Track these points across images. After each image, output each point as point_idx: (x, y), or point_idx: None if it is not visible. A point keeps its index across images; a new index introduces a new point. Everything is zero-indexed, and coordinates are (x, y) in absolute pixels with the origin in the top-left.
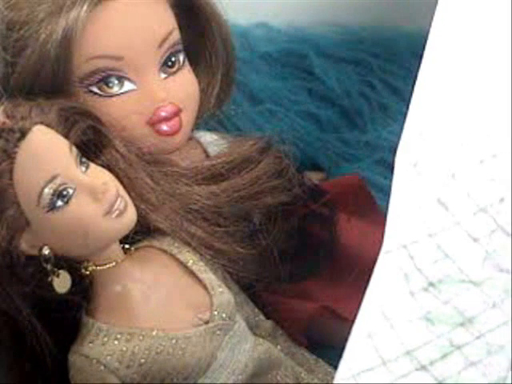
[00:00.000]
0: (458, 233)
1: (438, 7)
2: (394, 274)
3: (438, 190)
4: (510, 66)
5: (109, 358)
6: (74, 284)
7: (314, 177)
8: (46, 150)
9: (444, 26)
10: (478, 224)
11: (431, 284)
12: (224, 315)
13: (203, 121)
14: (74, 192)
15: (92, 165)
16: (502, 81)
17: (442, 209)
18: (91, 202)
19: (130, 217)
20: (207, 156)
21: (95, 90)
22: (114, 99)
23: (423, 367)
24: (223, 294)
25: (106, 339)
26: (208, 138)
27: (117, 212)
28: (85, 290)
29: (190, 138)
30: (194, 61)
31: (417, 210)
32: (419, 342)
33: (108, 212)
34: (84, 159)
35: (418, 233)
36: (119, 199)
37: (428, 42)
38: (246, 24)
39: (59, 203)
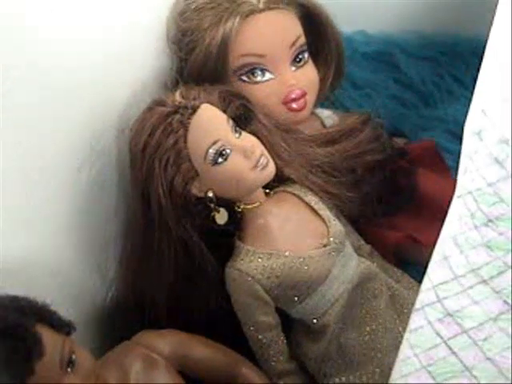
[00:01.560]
0: (510, 182)
1: (496, 17)
2: (463, 212)
3: (495, 151)
4: None
5: (255, 271)
6: (229, 218)
7: (399, 142)
8: (210, 122)
9: (502, 32)
10: None
11: (490, 220)
12: (337, 241)
13: (321, 101)
14: (230, 152)
15: (243, 132)
16: None
17: (498, 166)
18: (243, 159)
19: (271, 170)
20: (324, 126)
21: (244, 78)
22: (258, 85)
23: (484, 281)
24: (336, 226)
25: (252, 258)
26: (325, 113)
27: (261, 166)
28: (237, 222)
29: (312, 113)
30: (315, 57)
31: (479, 166)
32: (481, 262)
33: (255, 166)
34: (237, 128)
35: (480, 183)
36: (263, 157)
37: (488, 44)
38: (350, 31)
39: (220, 160)
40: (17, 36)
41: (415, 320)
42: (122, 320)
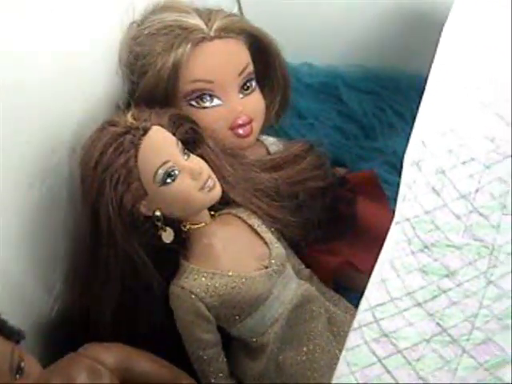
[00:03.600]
0: (446, 212)
1: (436, 55)
2: (400, 238)
3: (433, 181)
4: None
5: (198, 289)
6: (175, 237)
7: (340, 171)
8: (160, 143)
9: (441, 69)
10: (460, 206)
11: (426, 246)
12: (278, 263)
13: (265, 129)
14: (179, 173)
15: (191, 155)
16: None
17: (435, 195)
18: (190, 180)
19: (217, 192)
20: (269, 153)
21: (193, 103)
22: (206, 110)
23: (419, 304)
24: (278, 248)
25: (196, 276)
26: (270, 140)
27: (208, 188)
28: (183, 241)
29: (258, 140)
30: (261, 86)
31: (417, 195)
32: (417, 286)
33: (202, 188)
34: (186, 151)
35: (418, 210)
36: (210, 179)
37: (428, 80)
38: (295, 63)
39: (168, 180)
40: None
41: (352, 339)
42: (67, 333)
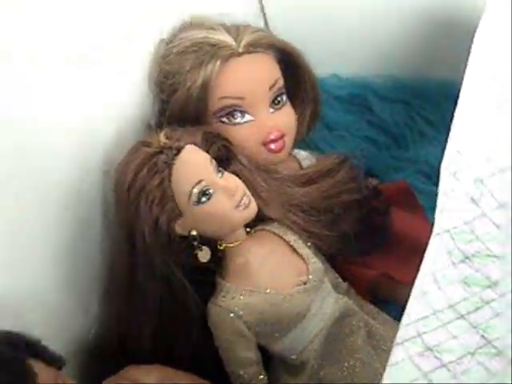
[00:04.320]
0: (485, 221)
1: (470, 62)
2: (440, 249)
3: (471, 191)
4: None
5: (236, 308)
6: (212, 255)
7: (372, 182)
8: (194, 162)
9: (475, 76)
10: (500, 215)
11: (467, 257)
12: (316, 278)
13: (296, 142)
14: (214, 192)
15: (226, 172)
16: None
17: (474, 204)
18: (226, 198)
19: (253, 209)
20: (301, 167)
21: (224, 120)
22: (237, 127)
23: (462, 316)
24: (316, 263)
25: (234, 295)
26: (302, 154)
27: (243, 206)
28: (219, 260)
29: (290, 154)
30: (291, 99)
31: (456, 205)
32: (459, 298)
33: (237, 205)
34: (220, 168)
35: (457, 221)
36: (245, 197)
37: (462, 88)
38: (323, 75)
39: (203, 199)
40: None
41: (396, 354)
42: (105, 355)
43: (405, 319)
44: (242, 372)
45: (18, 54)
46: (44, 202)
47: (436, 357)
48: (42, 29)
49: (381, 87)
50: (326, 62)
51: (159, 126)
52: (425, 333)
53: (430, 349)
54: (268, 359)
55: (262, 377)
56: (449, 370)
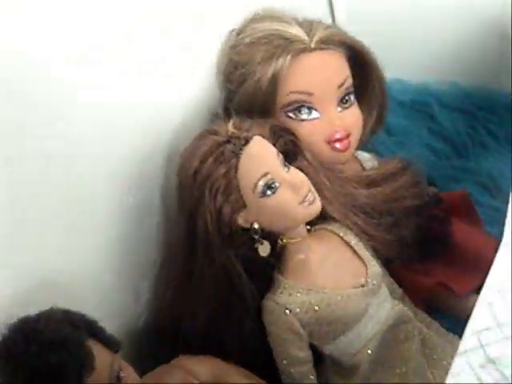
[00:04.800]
0: None
1: None
2: (507, 261)
3: None
4: None
5: (293, 305)
6: (271, 250)
7: (431, 190)
8: (261, 154)
9: None
10: None
11: None
12: (374, 282)
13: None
14: (279, 185)
15: (292, 167)
16: None
17: None
18: (291, 193)
19: (317, 206)
20: (363, 168)
21: (291, 115)
22: (304, 123)
23: None
24: (375, 267)
25: (291, 292)
26: (365, 156)
27: (308, 202)
28: (278, 255)
29: (353, 155)
30: (359, 100)
31: None
32: None
33: (302, 201)
34: (286, 163)
35: None
36: (310, 193)
37: None
38: (387, 79)
39: (268, 192)
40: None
41: (458, 364)
42: (153, 343)
43: (468, 329)
44: (292, 370)
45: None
46: (104, 188)
47: (498, 370)
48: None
49: (444, 95)
50: (391, 65)
51: (227, 115)
52: (487, 344)
53: (492, 361)
54: (319, 359)
55: (312, 377)
56: None
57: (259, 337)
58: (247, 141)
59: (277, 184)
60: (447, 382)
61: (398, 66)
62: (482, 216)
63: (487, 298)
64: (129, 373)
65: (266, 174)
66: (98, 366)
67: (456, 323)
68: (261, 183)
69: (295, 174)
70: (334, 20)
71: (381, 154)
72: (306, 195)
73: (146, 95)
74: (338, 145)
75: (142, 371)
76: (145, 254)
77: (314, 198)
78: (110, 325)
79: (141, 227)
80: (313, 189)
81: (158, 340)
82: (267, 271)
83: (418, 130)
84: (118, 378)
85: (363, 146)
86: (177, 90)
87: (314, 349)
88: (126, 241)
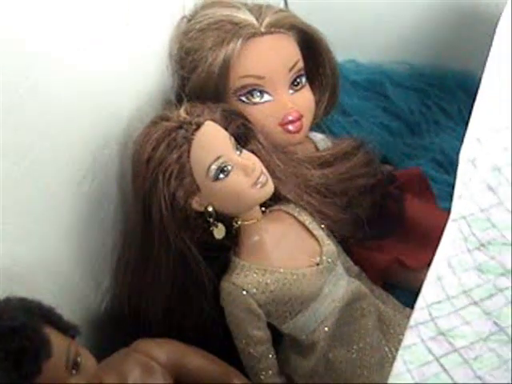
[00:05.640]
0: (502, 210)
1: (491, 52)
2: (457, 235)
3: (488, 179)
4: None
5: (249, 285)
6: (226, 233)
7: (386, 168)
8: (213, 138)
9: (496, 66)
10: None
11: (482, 245)
12: (330, 260)
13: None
14: (231, 168)
15: (244, 150)
16: None
17: (491, 192)
18: (243, 176)
19: (270, 188)
20: (317, 149)
21: (243, 99)
22: (256, 106)
23: (475, 303)
24: (330, 245)
25: (247, 272)
26: (318, 137)
27: (260, 184)
28: (234, 237)
29: (306, 136)
30: (310, 82)
31: (473, 193)
32: (473, 285)
33: (255, 183)
34: (238, 146)
35: (474, 208)
36: (262, 175)
37: (483, 77)
38: (341, 60)
39: (221, 176)
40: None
41: (409, 337)
42: (115, 328)
43: (419, 303)
44: (251, 350)
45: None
46: (60, 175)
47: (448, 341)
48: None
49: (398, 74)
50: (344, 46)
51: (179, 101)
52: (438, 317)
53: (442, 333)
54: (278, 338)
55: (271, 356)
56: (460, 355)
57: (218, 319)
58: (199, 126)
59: (229, 167)
60: (399, 354)
61: (352, 46)
62: (437, 192)
63: (437, 272)
64: (86, 358)
65: (218, 158)
66: (55, 352)
67: (413, 298)
68: (213, 167)
69: (247, 157)
70: (286, 3)
71: (336, 135)
72: (259, 177)
73: (100, 83)
74: (290, 127)
75: (105, 357)
76: (103, 240)
77: (267, 180)
78: (71, 312)
79: (98, 214)
80: (265, 171)
81: (119, 325)
82: (223, 254)
83: (373, 110)
84: (76, 363)
85: (318, 127)
86: (130, 77)
87: (272, 328)
88: (85, 228)
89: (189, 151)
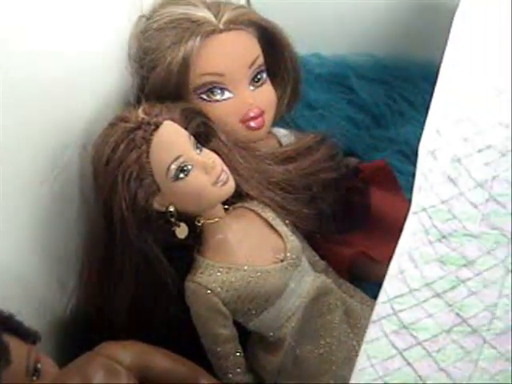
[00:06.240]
0: (463, 201)
1: (449, 42)
2: (418, 228)
3: (448, 170)
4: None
5: (213, 284)
6: (190, 232)
7: (352, 161)
8: (172, 138)
9: (454, 56)
10: (477, 195)
11: (443, 236)
12: (294, 256)
13: (276, 121)
14: (191, 168)
15: (204, 149)
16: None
17: (451, 184)
18: (204, 174)
19: (231, 186)
20: (280, 145)
21: (204, 96)
22: (217, 104)
23: (438, 295)
24: (294, 241)
25: (211, 271)
26: (281, 132)
27: (221, 182)
28: (197, 236)
29: (269, 132)
30: (272, 77)
31: (433, 184)
32: (435, 277)
33: (215, 182)
34: (198, 145)
35: (434, 200)
36: (223, 173)
37: (441, 68)
38: (304, 54)
39: (181, 175)
40: None
41: (372, 332)
42: (82, 331)
43: (381, 297)
44: (218, 348)
45: None
46: (20, 177)
47: (411, 335)
48: None
49: (361, 67)
50: (307, 40)
51: (138, 102)
52: (401, 311)
53: (405, 327)
54: (245, 336)
55: (238, 353)
56: (424, 348)
57: (184, 319)
58: (157, 126)
59: (189, 166)
60: (362, 349)
61: (315, 40)
62: (403, 183)
63: (398, 265)
64: (47, 364)
65: (177, 158)
66: (15, 359)
67: (380, 290)
68: (173, 167)
69: (207, 156)
70: None
71: (302, 129)
72: (219, 176)
73: (59, 84)
74: (252, 123)
75: (70, 359)
76: (67, 241)
77: (228, 178)
78: (36, 314)
79: (61, 215)
80: (226, 169)
81: (85, 328)
82: (187, 254)
83: (338, 103)
84: (36, 370)
85: (284, 122)
86: (90, 78)
87: (239, 326)
88: (47, 230)
89: (148, 152)
